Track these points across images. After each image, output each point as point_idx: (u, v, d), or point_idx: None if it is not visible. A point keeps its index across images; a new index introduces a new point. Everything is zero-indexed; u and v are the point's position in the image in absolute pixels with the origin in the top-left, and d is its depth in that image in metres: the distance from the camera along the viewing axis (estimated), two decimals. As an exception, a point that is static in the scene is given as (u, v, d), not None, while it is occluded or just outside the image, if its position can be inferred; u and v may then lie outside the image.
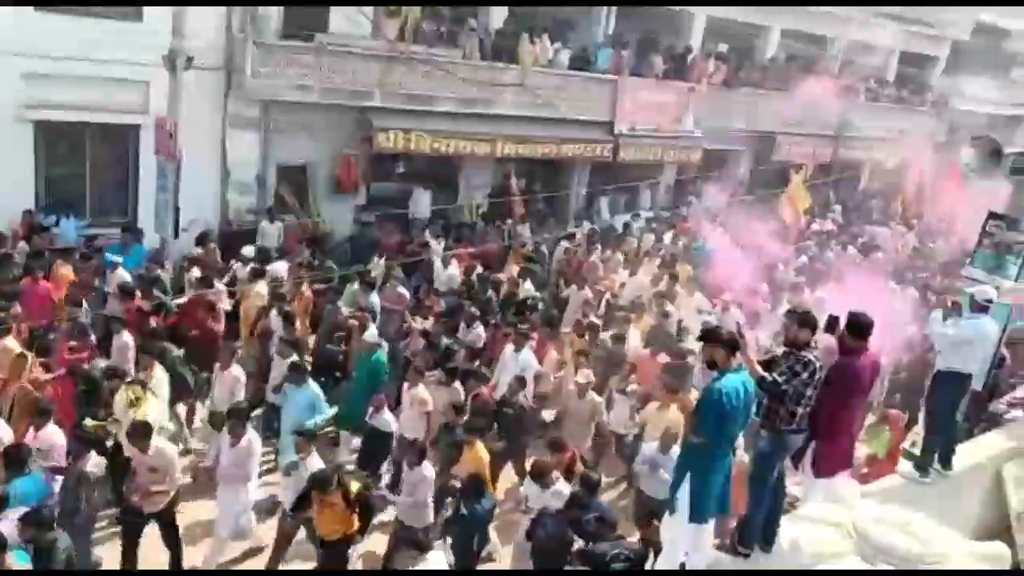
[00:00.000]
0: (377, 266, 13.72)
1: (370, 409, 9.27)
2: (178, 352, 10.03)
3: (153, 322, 10.60)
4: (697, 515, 5.61)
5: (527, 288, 13.81)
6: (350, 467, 9.67)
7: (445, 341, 10.96)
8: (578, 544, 6.87)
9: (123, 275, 11.55)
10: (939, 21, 25.84)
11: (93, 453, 7.18)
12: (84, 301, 10.67)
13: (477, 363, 10.87)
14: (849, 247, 19.12)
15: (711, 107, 20.94)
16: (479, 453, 8.43)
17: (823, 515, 6.52)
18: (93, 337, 9.84)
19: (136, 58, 13.65)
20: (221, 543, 8.16)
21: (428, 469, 8.03)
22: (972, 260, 9.52)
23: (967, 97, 26.40)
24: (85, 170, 14.82)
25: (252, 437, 7.99)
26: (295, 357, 9.70)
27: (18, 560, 5.79)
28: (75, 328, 9.67)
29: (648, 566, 7.03)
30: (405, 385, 9.68)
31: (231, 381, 9.33)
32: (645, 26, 21.19)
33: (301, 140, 16.34)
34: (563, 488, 7.71)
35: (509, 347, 10.69)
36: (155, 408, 8.35)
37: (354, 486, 7.34)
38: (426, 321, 11.69)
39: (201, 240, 13.90)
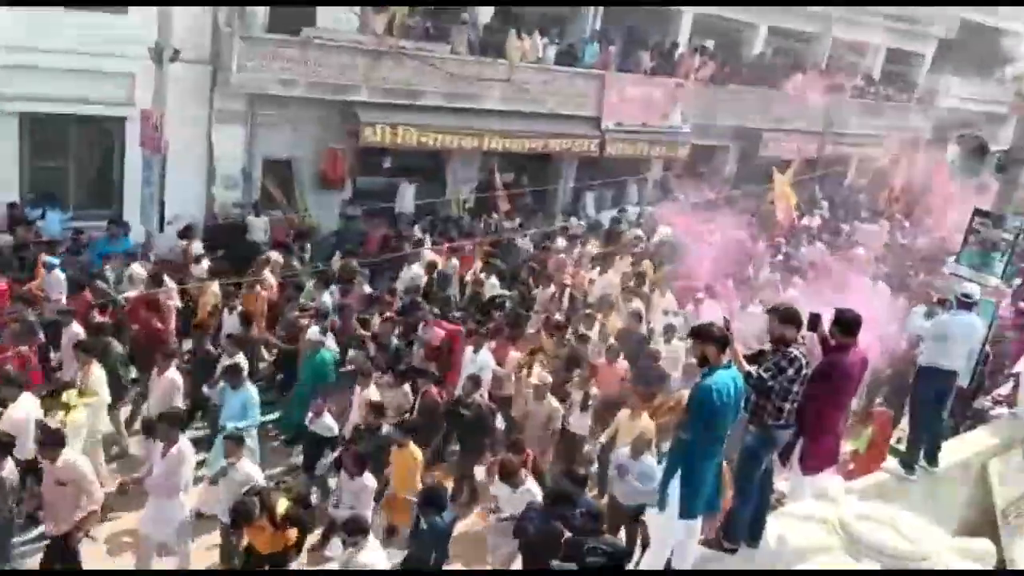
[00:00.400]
0: (337, 262, 13.59)
1: (310, 414, 9.02)
2: (121, 350, 9.72)
3: (100, 318, 10.35)
4: (687, 512, 5.61)
5: (492, 285, 13.57)
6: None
7: (395, 342, 10.75)
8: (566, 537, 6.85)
9: (59, 276, 11.23)
10: (926, 19, 25.98)
11: (9, 460, 6.87)
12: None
13: (434, 364, 10.63)
14: (817, 242, 19.04)
15: (698, 103, 20.97)
16: (412, 454, 8.15)
17: (810, 511, 6.53)
18: (41, 335, 9.66)
19: (122, 51, 13.58)
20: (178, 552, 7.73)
21: (369, 479, 7.76)
22: (958, 257, 9.55)
23: (953, 95, 26.56)
24: (69, 163, 14.71)
25: (184, 445, 7.46)
26: (240, 357, 9.41)
27: None
28: (23, 327, 9.35)
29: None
30: (356, 388, 9.46)
31: (167, 386, 8.93)
32: (632, 22, 21.19)
33: (287, 134, 16.28)
34: (533, 487, 7.62)
35: (468, 348, 10.46)
36: (82, 414, 8.06)
37: (281, 505, 6.94)
38: (375, 320, 11.39)
39: (185, 234, 13.80)
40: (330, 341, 10.33)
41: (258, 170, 16.27)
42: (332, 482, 8.86)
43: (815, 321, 6.38)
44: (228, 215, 15.83)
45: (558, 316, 12.21)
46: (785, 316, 6.04)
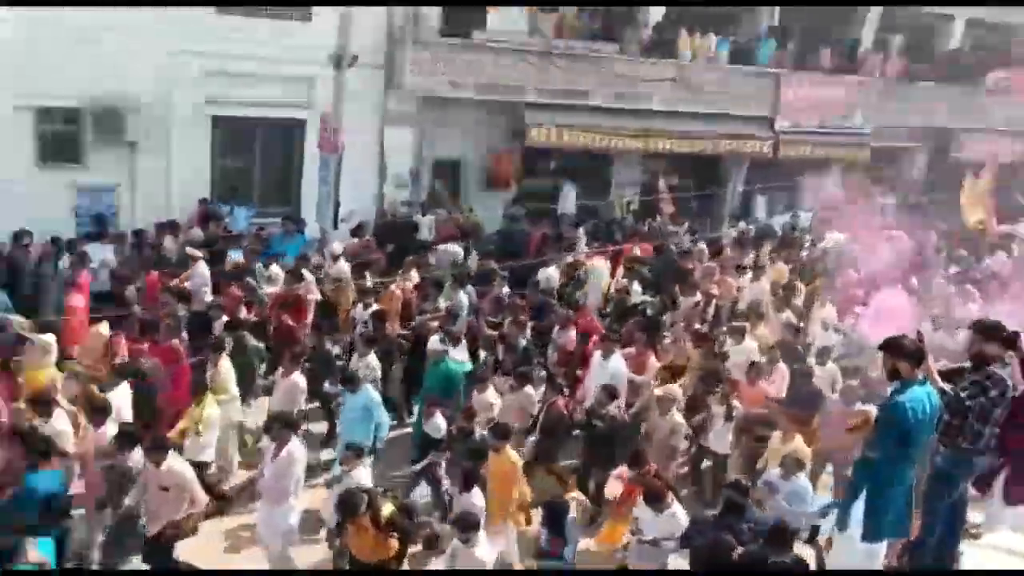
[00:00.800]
0: (473, 261, 13.56)
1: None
2: (255, 343, 9.84)
3: (246, 314, 10.63)
4: (871, 535, 5.15)
5: (636, 292, 12.91)
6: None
7: (523, 344, 10.48)
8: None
9: (203, 270, 11.64)
10: None
11: (137, 449, 7.08)
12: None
13: (564, 370, 10.31)
14: (999, 251, 17.01)
15: (883, 102, 19.67)
16: (509, 459, 7.76)
17: (1012, 545, 5.87)
18: (185, 332, 9.92)
19: (304, 57, 14.27)
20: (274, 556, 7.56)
21: (478, 496, 7.28)
22: None
23: None
24: (254, 162, 15.61)
25: (294, 447, 7.33)
26: (372, 356, 9.41)
27: (40, 548, 5.99)
28: (173, 320, 9.73)
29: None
30: (475, 390, 9.20)
31: (290, 387, 8.85)
32: (812, 17, 20.13)
33: (455, 136, 16.60)
34: (679, 511, 7.21)
35: (597, 354, 9.89)
36: (214, 410, 8.21)
37: (386, 509, 6.73)
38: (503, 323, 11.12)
39: (357, 231, 14.30)
40: (458, 349, 10.06)
41: (427, 170, 16.67)
42: (418, 491, 8.53)
43: (1014, 339, 5.71)
44: (397, 213, 16.31)
45: (700, 326, 11.50)
46: (987, 331, 5.46)
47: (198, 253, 12.04)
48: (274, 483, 7.28)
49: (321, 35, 14.04)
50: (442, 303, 11.49)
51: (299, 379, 8.93)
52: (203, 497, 7.20)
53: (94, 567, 7.17)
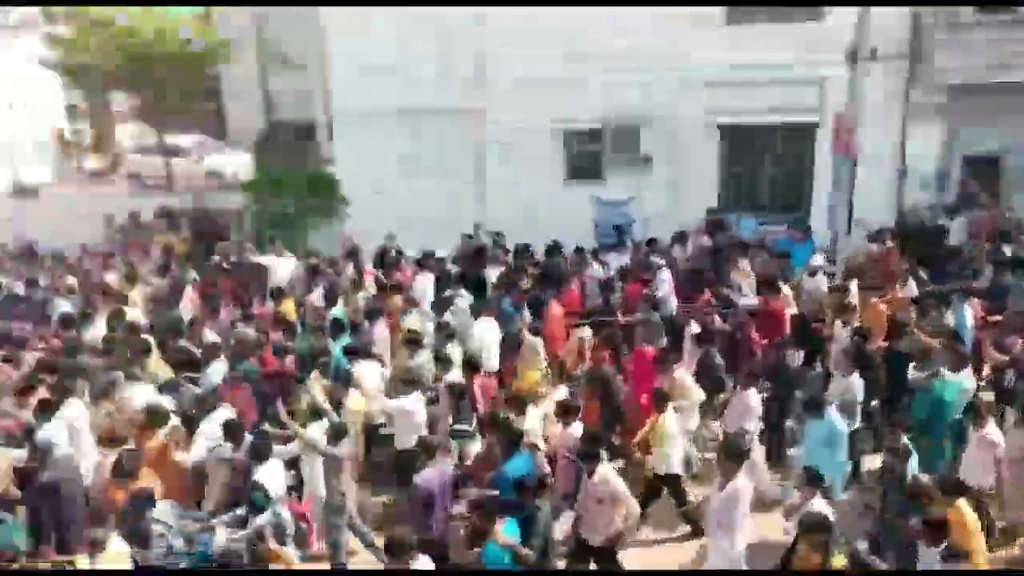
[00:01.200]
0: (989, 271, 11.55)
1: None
2: (719, 361, 9.52)
3: (719, 323, 10.39)
4: None
5: None
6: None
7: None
8: None
9: (665, 276, 11.61)
10: None
11: (603, 464, 7.09)
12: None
13: None
14: None
15: None
16: (962, 514, 6.27)
17: None
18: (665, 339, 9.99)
19: (815, 57, 13.85)
20: None
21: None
22: None
23: None
24: (762, 169, 15.59)
25: (741, 485, 6.73)
26: (855, 376, 8.49)
27: (507, 529, 6.33)
28: (651, 327, 9.89)
29: None
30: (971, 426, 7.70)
31: (741, 406, 8.41)
32: None
33: (993, 128, 14.48)
34: None
35: None
36: (672, 419, 8.10)
37: (838, 557, 5.98)
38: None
39: (876, 237, 13.19)
40: (960, 374, 8.54)
41: (957, 168, 14.97)
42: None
43: None
44: (920, 217, 14.79)
45: None
46: None
47: (661, 261, 12.36)
48: (716, 515, 7.00)
49: (834, 32, 13.34)
50: (950, 319, 10.06)
51: (751, 398, 8.53)
52: (636, 509, 7.21)
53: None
